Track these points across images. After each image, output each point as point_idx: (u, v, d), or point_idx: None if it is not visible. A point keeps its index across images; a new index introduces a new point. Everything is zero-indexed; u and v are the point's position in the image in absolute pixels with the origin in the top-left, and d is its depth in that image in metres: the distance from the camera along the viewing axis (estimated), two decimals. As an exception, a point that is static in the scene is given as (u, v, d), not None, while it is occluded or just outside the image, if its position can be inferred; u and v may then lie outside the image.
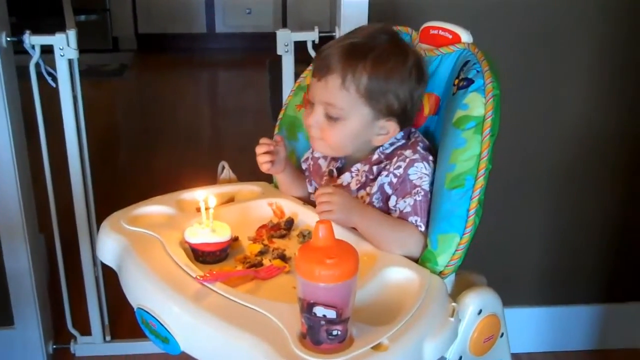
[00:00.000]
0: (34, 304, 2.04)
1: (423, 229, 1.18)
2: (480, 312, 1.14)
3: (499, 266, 2.05)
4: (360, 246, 1.17)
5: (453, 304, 1.09)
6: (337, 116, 1.21)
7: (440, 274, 1.15)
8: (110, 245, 1.22)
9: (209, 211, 1.18)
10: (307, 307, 0.94)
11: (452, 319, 1.07)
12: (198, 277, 1.08)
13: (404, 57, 1.20)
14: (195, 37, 5.31)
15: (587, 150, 1.97)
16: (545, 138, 1.95)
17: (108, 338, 2.17)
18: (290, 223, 1.29)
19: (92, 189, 2.03)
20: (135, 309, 1.10)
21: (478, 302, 1.14)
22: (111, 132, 4.05)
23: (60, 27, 1.87)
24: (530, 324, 2.13)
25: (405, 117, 1.23)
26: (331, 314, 0.93)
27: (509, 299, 2.00)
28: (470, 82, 1.19)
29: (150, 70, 5.07)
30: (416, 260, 1.17)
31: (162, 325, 1.04)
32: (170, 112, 4.21)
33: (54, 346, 2.15)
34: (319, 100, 1.22)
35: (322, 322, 0.93)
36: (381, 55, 1.19)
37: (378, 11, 1.76)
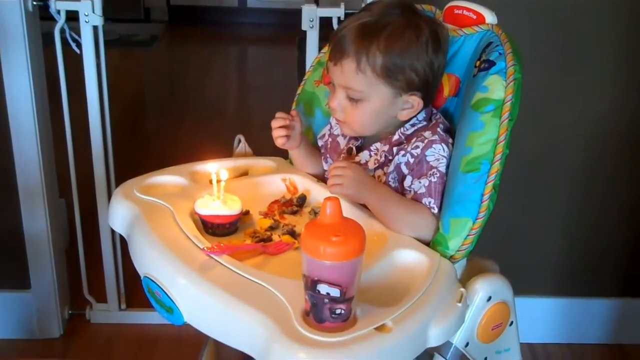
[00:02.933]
0: (51, 269, 2.06)
1: (436, 211, 1.16)
2: (489, 298, 1.12)
3: (516, 255, 2.03)
4: (371, 226, 1.16)
5: (462, 289, 1.08)
6: (358, 98, 1.19)
7: (450, 258, 1.14)
8: (121, 212, 1.22)
9: (220, 184, 1.17)
10: (311, 285, 0.93)
11: (459, 304, 1.05)
12: (205, 249, 1.07)
13: (417, 30, 1.17)
14: (226, 10, 5.30)
15: (612, 143, 1.94)
16: (569, 128, 1.92)
17: (123, 306, 2.18)
18: (302, 199, 1.28)
19: (113, 156, 2.04)
20: (142, 277, 1.10)
21: (488, 288, 1.12)
22: (137, 101, 4.07)
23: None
24: (546, 315, 2.11)
25: (428, 89, 1.22)
26: (335, 292, 0.92)
27: (526, 288, 2.01)
28: (492, 64, 1.16)
29: (180, 42, 5.08)
30: (427, 244, 1.15)
31: (167, 294, 1.04)
32: (198, 85, 4.21)
33: (70, 311, 2.17)
34: (338, 84, 1.21)
35: (326, 300, 0.92)
36: (394, 32, 1.16)
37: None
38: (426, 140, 1.19)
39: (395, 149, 1.22)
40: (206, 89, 4.16)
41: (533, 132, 1.88)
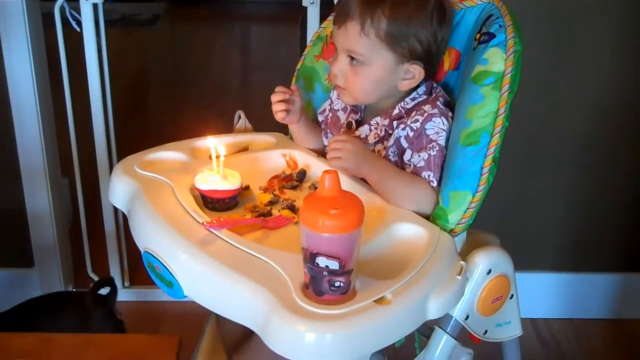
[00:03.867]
0: (54, 247, 2.07)
1: (435, 184, 1.16)
2: (489, 271, 1.13)
3: (518, 229, 2.04)
4: (371, 199, 1.16)
5: (461, 262, 1.08)
6: (361, 61, 1.19)
7: (450, 231, 1.14)
8: (121, 188, 1.22)
9: (219, 159, 1.17)
10: (310, 257, 0.93)
11: (459, 277, 1.05)
12: (205, 223, 1.07)
13: (424, 0, 1.17)
14: (228, -12, 5.26)
15: (614, 114, 1.92)
16: (570, 100, 1.92)
17: (127, 283, 2.19)
18: (302, 174, 1.28)
19: (115, 135, 2.04)
20: (142, 252, 1.10)
21: (487, 261, 1.12)
22: (140, 80, 4.06)
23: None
24: (548, 290, 2.11)
25: (430, 60, 1.21)
26: (334, 265, 0.92)
27: (528, 263, 2.01)
28: (492, 36, 1.15)
29: (182, 21, 5.05)
30: (427, 217, 1.15)
31: (167, 269, 1.04)
32: (201, 64, 4.20)
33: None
34: (341, 47, 1.21)
35: (325, 273, 0.93)
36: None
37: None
38: (426, 114, 1.18)
39: (395, 123, 1.22)
40: (209, 68, 4.15)
41: (534, 105, 1.87)
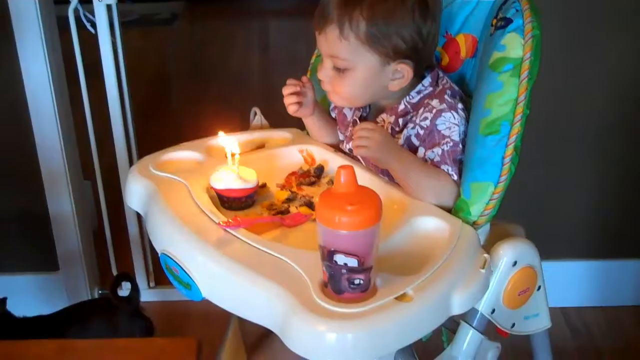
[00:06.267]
0: (78, 250, 2.07)
1: (456, 177, 1.13)
2: (515, 263, 1.09)
3: (546, 218, 2.00)
4: (391, 193, 1.14)
5: (485, 254, 1.05)
6: (344, 67, 1.16)
7: (473, 224, 1.11)
8: (137, 190, 1.21)
9: (234, 157, 1.15)
10: (327, 255, 0.91)
11: (483, 271, 1.02)
12: (221, 223, 1.05)
13: None
14: (246, -17, 5.25)
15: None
16: (596, 84, 1.87)
17: (152, 284, 2.19)
18: (320, 170, 1.25)
19: (135, 135, 2.03)
20: (159, 254, 1.09)
21: (512, 253, 1.09)
22: (160, 80, 4.06)
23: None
24: (579, 278, 2.07)
25: (419, 57, 1.17)
26: (352, 262, 0.90)
27: (557, 251, 1.97)
28: (509, 21, 1.11)
29: (200, 19, 5.05)
30: (449, 210, 1.12)
31: (184, 271, 1.03)
32: (220, 61, 4.19)
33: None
34: (325, 53, 1.18)
35: (344, 271, 0.90)
36: None
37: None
38: (434, 110, 1.15)
39: (401, 120, 1.19)
40: (228, 64, 4.14)
41: (557, 90, 1.83)
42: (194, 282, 1.02)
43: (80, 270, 2.10)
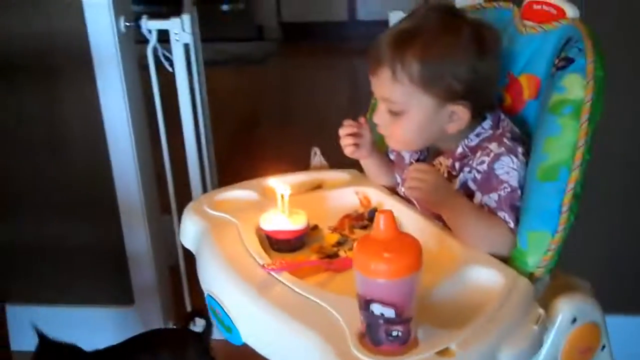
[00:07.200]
0: (153, 284, 2.10)
1: (512, 225, 1.07)
2: (574, 320, 1.02)
3: (619, 270, 1.86)
4: (443, 240, 1.10)
5: (539, 310, 0.98)
6: (398, 110, 1.13)
7: (530, 275, 1.04)
8: (191, 228, 1.21)
9: (284, 198, 1.13)
10: (364, 305, 0.87)
11: (536, 327, 0.95)
12: (265, 266, 1.04)
13: (456, 33, 1.09)
14: (337, 25, 5.31)
15: None
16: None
17: (222, 322, 2.19)
18: (373, 213, 1.22)
19: (211, 171, 2.06)
20: (205, 295, 1.08)
21: (571, 308, 1.02)
22: (247, 118, 4.13)
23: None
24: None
25: (477, 97, 1.12)
26: (389, 312, 0.85)
27: (632, 305, 1.83)
28: (571, 61, 1.06)
29: (292, 58, 5.14)
30: (505, 260, 1.06)
31: (226, 313, 1.01)
32: (308, 100, 4.24)
33: (174, 326, 2.20)
34: (379, 96, 1.15)
35: (381, 321, 0.86)
36: (430, 37, 1.08)
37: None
38: (492, 154, 1.10)
39: (458, 163, 1.15)
40: (316, 104, 4.17)
41: (623, 130, 1.72)
42: (234, 325, 1.00)
43: (155, 304, 2.13)
